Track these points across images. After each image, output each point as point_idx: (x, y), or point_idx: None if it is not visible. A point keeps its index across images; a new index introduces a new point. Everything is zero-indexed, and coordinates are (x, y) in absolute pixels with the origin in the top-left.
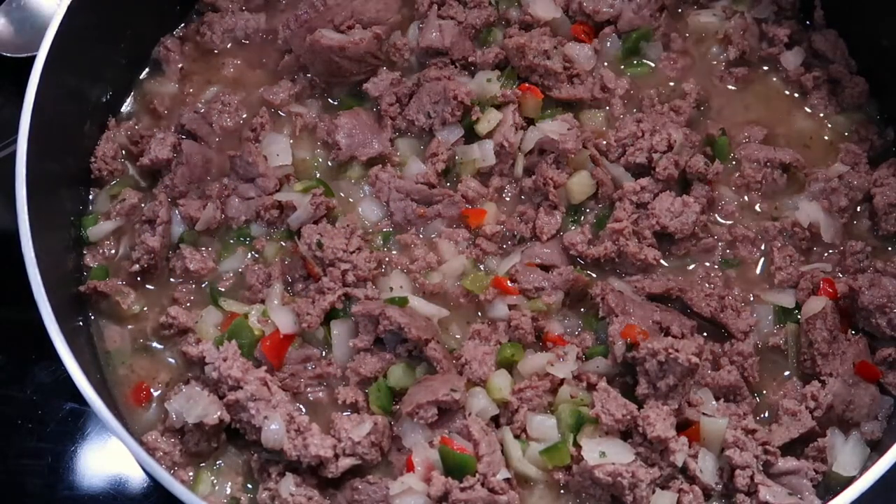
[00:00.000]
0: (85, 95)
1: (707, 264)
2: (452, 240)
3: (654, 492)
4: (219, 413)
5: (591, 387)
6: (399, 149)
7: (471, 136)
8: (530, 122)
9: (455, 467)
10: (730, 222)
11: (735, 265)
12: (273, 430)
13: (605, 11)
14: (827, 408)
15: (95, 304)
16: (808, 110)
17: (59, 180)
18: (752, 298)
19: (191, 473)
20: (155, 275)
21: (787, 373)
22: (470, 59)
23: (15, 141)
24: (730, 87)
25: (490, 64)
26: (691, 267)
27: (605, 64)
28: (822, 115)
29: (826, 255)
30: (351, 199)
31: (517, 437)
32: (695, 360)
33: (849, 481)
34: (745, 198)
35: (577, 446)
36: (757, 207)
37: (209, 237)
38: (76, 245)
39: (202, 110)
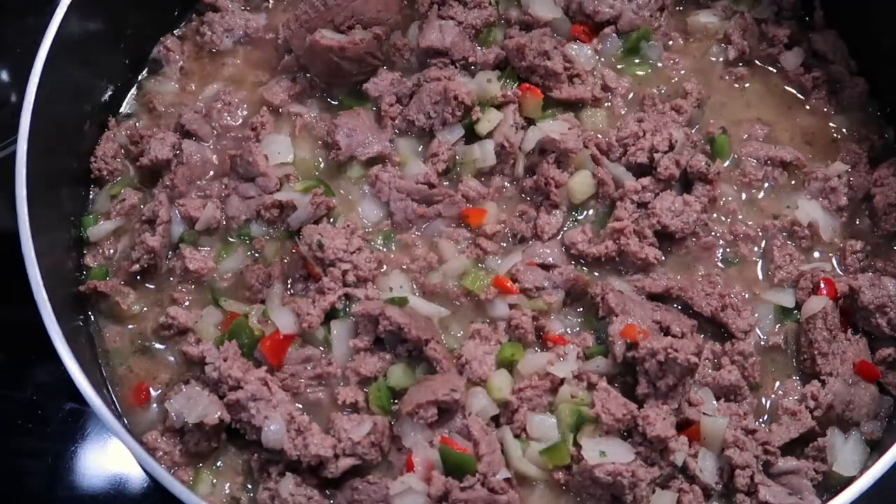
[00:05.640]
0: (85, 95)
1: (708, 263)
2: (453, 239)
3: (654, 491)
4: (219, 413)
5: (592, 386)
6: (399, 149)
7: (471, 136)
8: (531, 121)
9: (455, 467)
10: (730, 220)
11: (735, 263)
12: (273, 430)
13: (605, 11)
14: (827, 407)
15: (95, 304)
16: (808, 108)
17: (59, 180)
18: (747, 296)
19: (191, 473)
20: (155, 275)
21: (787, 373)
22: (470, 60)
23: (15, 141)
24: (730, 85)
25: (490, 64)
26: (692, 266)
27: (602, 60)
28: (823, 112)
29: (826, 254)
30: (350, 198)
31: (517, 436)
32: (694, 359)
33: (849, 481)
34: (745, 195)
35: (577, 446)
36: (758, 205)
37: (209, 237)
38: (76, 245)
39: (202, 109)
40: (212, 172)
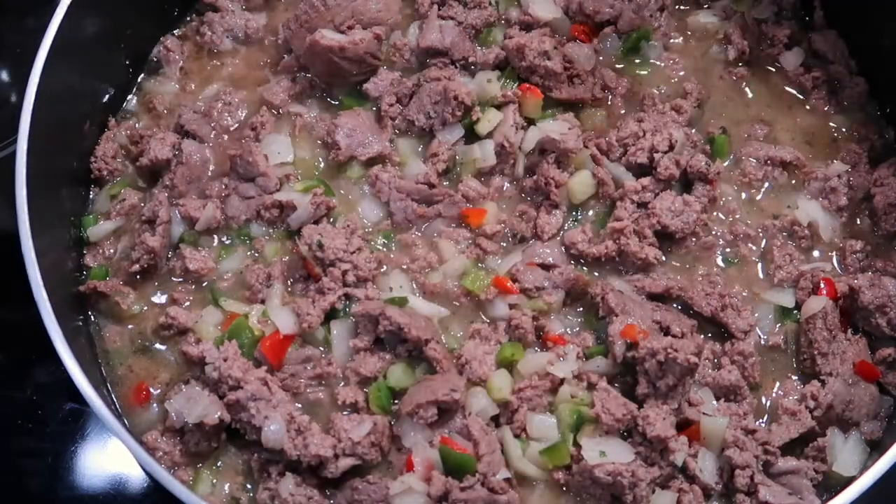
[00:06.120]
0: (85, 95)
1: (708, 263)
2: (453, 239)
3: (653, 491)
4: (219, 413)
5: (592, 386)
6: (399, 149)
7: (471, 136)
8: (531, 122)
9: (455, 467)
10: (730, 220)
11: (735, 263)
12: (273, 430)
13: (605, 11)
14: (827, 407)
15: (95, 304)
16: (808, 108)
17: (59, 180)
18: (747, 296)
19: (191, 473)
20: (155, 275)
21: (787, 373)
22: (470, 60)
23: (15, 141)
24: (730, 85)
25: (490, 64)
26: (692, 266)
27: (602, 60)
28: (823, 112)
29: (826, 254)
30: (350, 198)
31: (517, 436)
32: (694, 359)
33: (849, 481)
34: (745, 195)
35: (577, 446)
36: (758, 205)
37: (209, 237)
38: (76, 245)
39: (202, 109)
40: (212, 172)
